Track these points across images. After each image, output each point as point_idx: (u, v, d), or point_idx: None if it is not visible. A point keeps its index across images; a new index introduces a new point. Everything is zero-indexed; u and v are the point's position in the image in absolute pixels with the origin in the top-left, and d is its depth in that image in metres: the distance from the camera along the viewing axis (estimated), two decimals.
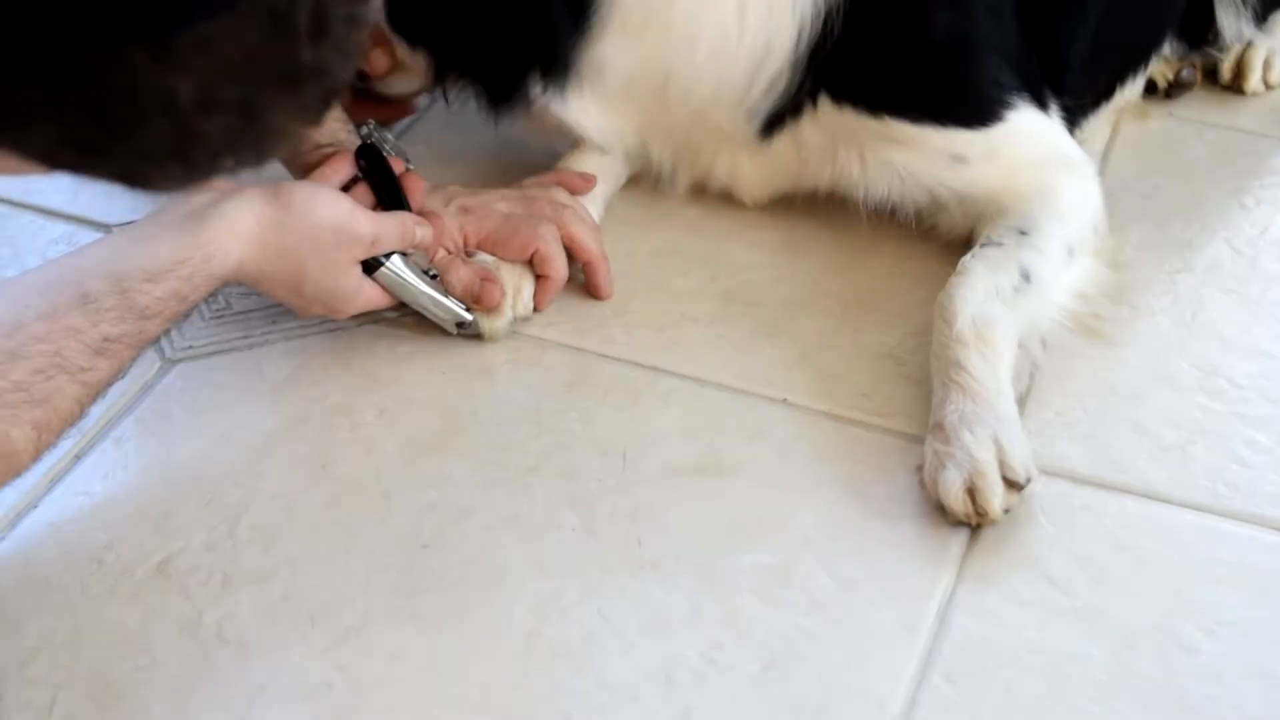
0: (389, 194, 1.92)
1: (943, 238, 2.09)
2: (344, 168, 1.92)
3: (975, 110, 2.03)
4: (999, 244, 1.96)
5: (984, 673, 1.59)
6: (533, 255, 1.97)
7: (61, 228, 2.12)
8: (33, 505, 1.73)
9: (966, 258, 1.94)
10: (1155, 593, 1.68)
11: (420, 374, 1.90)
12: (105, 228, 2.11)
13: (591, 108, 2.04)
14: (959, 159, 2.03)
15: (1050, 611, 1.65)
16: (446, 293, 1.93)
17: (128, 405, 1.85)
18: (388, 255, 1.87)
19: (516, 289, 1.96)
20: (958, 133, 2.03)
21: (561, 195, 2.04)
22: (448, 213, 1.98)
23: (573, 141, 2.12)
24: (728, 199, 2.17)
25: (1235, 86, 2.49)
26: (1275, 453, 1.84)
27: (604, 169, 2.13)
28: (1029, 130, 2.06)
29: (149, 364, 1.90)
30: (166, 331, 1.75)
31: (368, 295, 1.88)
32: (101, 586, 1.64)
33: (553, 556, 1.69)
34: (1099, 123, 2.35)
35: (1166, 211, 2.23)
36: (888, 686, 1.57)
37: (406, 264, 1.89)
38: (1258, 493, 1.79)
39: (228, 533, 1.70)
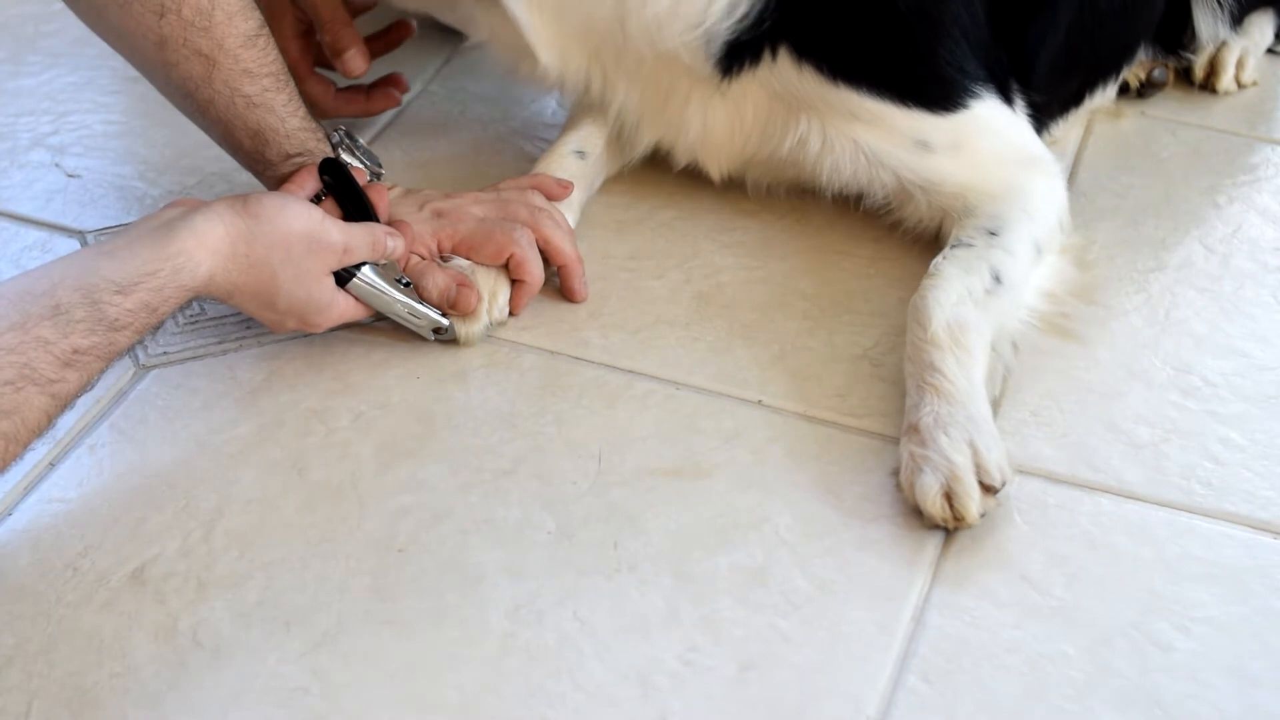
0: (354, 206, 1.92)
1: (910, 233, 2.09)
2: (309, 183, 1.92)
3: (937, 92, 2.03)
4: (969, 245, 1.97)
5: (960, 672, 1.59)
6: (508, 260, 1.97)
7: (35, 234, 2.11)
8: (7, 513, 1.72)
9: (938, 259, 1.94)
10: (1130, 591, 1.68)
11: (395, 379, 1.90)
12: (79, 234, 2.10)
13: (541, 13, 2.02)
14: (923, 146, 2.04)
15: (1026, 611, 1.65)
16: (422, 300, 1.93)
17: (102, 412, 1.85)
18: (359, 266, 1.87)
19: (492, 294, 1.96)
20: (920, 115, 2.03)
21: (536, 199, 2.04)
22: (421, 217, 1.98)
23: (563, 110, 2.08)
24: (698, 197, 2.17)
25: (1208, 86, 2.50)
26: (1249, 450, 1.85)
27: (579, 173, 2.13)
28: (994, 123, 2.06)
29: (123, 370, 1.90)
30: (137, 343, 1.74)
31: (342, 307, 1.87)
32: (77, 593, 1.64)
33: (528, 559, 1.69)
34: (1070, 125, 2.36)
35: (1139, 210, 2.23)
36: (864, 687, 1.57)
37: (379, 273, 1.89)
38: (1232, 490, 1.80)
39: (203, 538, 1.70)
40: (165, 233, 1.73)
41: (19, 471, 1.75)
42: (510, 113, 2.37)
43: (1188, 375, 1.95)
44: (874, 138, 2.04)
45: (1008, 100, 2.09)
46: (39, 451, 1.78)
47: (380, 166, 2.02)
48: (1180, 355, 1.98)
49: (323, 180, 1.92)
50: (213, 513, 1.73)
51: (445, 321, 1.93)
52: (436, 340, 1.94)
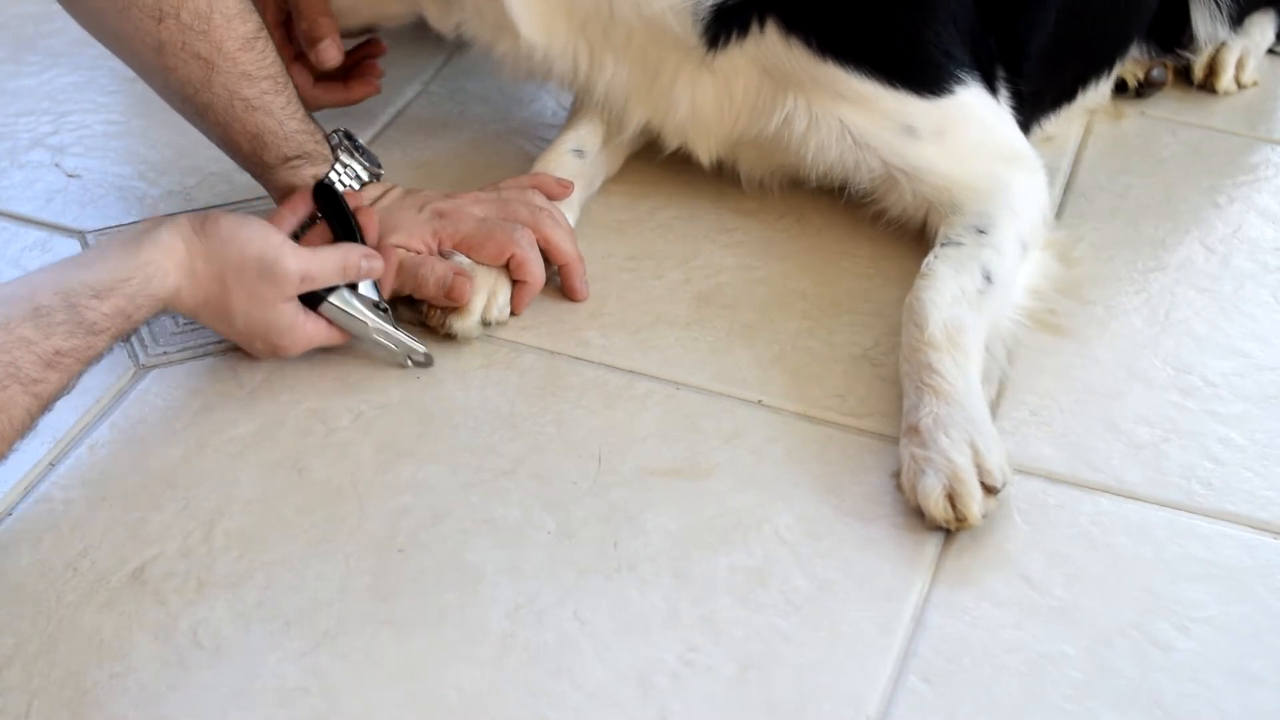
0: (344, 230, 1.91)
1: (895, 224, 2.10)
2: (301, 208, 1.92)
3: (923, 75, 2.04)
4: (959, 243, 1.97)
5: (960, 672, 1.59)
6: (509, 260, 1.97)
7: (35, 234, 2.11)
8: (8, 513, 1.72)
9: (929, 258, 1.95)
10: (1130, 591, 1.68)
11: (395, 378, 1.90)
12: (79, 234, 2.10)
13: None
14: (910, 131, 2.04)
15: (1026, 611, 1.65)
16: (398, 325, 1.91)
17: (103, 411, 1.84)
18: (331, 289, 1.86)
19: (492, 293, 1.96)
20: (906, 98, 2.03)
21: (537, 198, 2.04)
22: (421, 218, 1.97)
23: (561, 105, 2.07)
24: (698, 197, 2.17)
25: (1207, 86, 2.50)
26: (1248, 450, 1.85)
27: (578, 172, 2.13)
28: (978, 113, 2.07)
29: (124, 370, 1.90)
30: (113, 347, 1.73)
31: (309, 331, 1.86)
32: (76, 593, 1.64)
33: (528, 559, 1.68)
34: (1065, 122, 2.36)
35: (1139, 210, 2.23)
36: (865, 687, 1.57)
37: (354, 296, 1.87)
38: (1231, 490, 1.80)
39: (202, 538, 1.70)
40: (134, 244, 1.75)
41: (19, 471, 1.75)
42: (510, 112, 2.37)
43: (1188, 375, 1.95)
44: (860, 118, 2.04)
45: (992, 90, 2.10)
46: (39, 451, 1.78)
47: (379, 167, 2.02)
48: (1180, 355, 1.98)
49: (316, 205, 1.92)
50: (213, 513, 1.73)
51: (421, 348, 1.91)
52: (414, 366, 1.92)
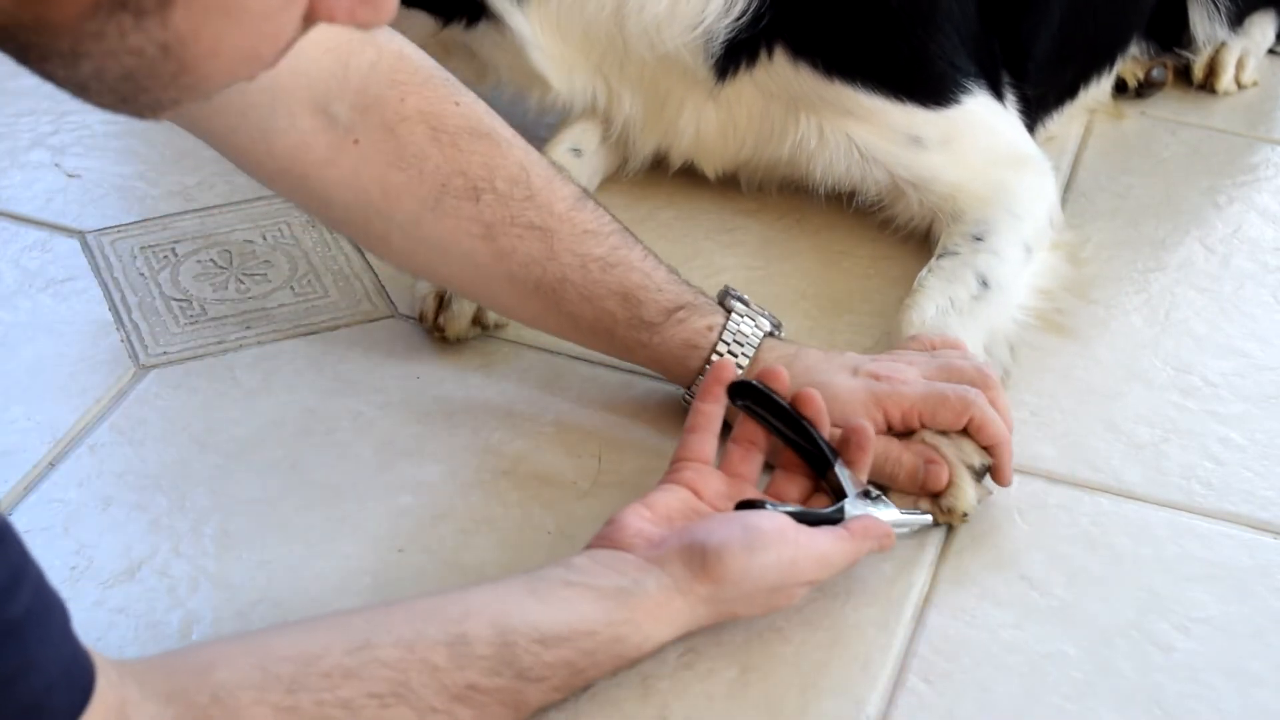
0: (782, 420, 1.68)
1: (903, 231, 2.10)
2: (714, 409, 1.68)
3: (930, 86, 2.04)
4: (954, 253, 1.97)
5: (961, 672, 1.59)
6: (967, 423, 1.72)
7: (35, 234, 2.11)
8: (7, 513, 1.71)
9: (923, 272, 1.95)
10: (1130, 591, 1.68)
11: (394, 378, 1.90)
12: (79, 234, 2.10)
13: (546, 31, 2.02)
14: (916, 141, 2.04)
15: (1026, 611, 1.65)
16: (891, 502, 1.68)
17: (102, 412, 1.84)
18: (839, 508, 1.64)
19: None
20: (914, 110, 2.04)
21: (971, 357, 1.82)
22: (857, 385, 1.73)
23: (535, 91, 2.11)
24: (698, 198, 2.17)
25: (1208, 86, 2.50)
26: (1248, 450, 1.85)
27: (576, 171, 2.12)
28: (984, 120, 2.07)
29: (123, 370, 1.90)
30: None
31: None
32: (73, 593, 1.63)
33: (529, 560, 1.68)
34: (1067, 121, 2.37)
35: (1139, 210, 2.23)
36: (865, 688, 1.57)
37: (855, 506, 1.64)
38: (1231, 490, 1.80)
39: (201, 538, 1.69)
40: (613, 593, 1.49)
41: (19, 471, 1.75)
42: (507, 113, 2.34)
43: (1188, 375, 1.95)
44: (867, 133, 2.05)
45: (998, 95, 2.10)
46: (39, 451, 1.78)
47: (777, 319, 1.81)
48: (1180, 355, 1.98)
49: (735, 404, 1.70)
50: (212, 512, 1.72)
51: (928, 518, 1.71)
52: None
